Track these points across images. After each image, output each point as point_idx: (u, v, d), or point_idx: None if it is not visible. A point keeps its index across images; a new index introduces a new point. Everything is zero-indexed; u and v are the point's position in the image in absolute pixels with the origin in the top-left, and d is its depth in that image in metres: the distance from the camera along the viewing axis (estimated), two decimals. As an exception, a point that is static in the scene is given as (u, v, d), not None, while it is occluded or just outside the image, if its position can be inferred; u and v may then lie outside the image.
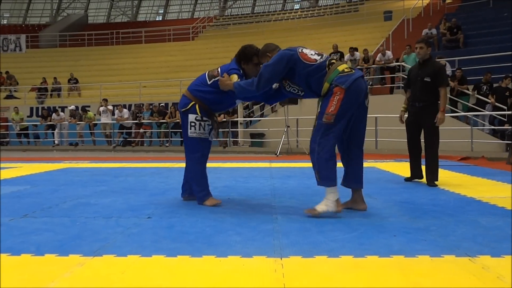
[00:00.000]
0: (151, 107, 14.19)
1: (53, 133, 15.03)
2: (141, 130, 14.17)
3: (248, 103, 13.14)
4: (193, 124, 3.64)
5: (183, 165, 3.98)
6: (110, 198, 4.15)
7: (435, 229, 2.85)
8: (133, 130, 14.42)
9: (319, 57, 3.32)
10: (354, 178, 3.48)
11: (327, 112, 3.15)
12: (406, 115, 5.28)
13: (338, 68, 3.24)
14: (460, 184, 4.93)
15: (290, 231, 2.79)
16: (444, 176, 5.44)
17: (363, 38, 18.01)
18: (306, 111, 10.85)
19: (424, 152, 5.01)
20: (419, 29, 15.36)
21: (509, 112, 9.46)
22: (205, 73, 3.76)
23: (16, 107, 15.88)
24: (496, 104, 9.92)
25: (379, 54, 12.90)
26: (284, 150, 10.59)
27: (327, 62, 3.27)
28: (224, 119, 12.40)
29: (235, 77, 3.52)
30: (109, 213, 3.42)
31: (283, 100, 4.08)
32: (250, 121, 13.69)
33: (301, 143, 11.03)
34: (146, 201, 3.97)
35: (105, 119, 14.43)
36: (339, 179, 3.42)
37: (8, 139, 16.01)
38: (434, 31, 14.68)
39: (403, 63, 11.86)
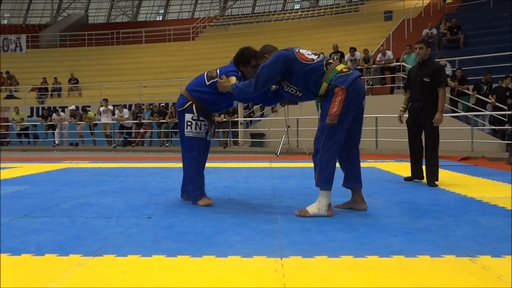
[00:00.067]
0: (151, 107, 14.20)
1: (53, 133, 15.04)
2: (142, 130, 14.17)
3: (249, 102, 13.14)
4: (189, 123, 3.66)
5: (183, 165, 3.98)
6: (110, 198, 4.16)
7: (435, 229, 2.85)
8: (133, 130, 14.43)
9: (316, 56, 3.32)
10: (354, 178, 3.48)
11: (330, 113, 3.15)
12: (405, 115, 5.29)
13: (336, 68, 3.25)
14: (461, 184, 4.93)
15: (290, 231, 2.79)
16: (445, 176, 5.44)
17: (363, 38, 18.00)
18: (307, 111, 10.85)
19: (424, 152, 5.02)
20: (420, 29, 15.36)
21: (509, 112, 9.46)
22: (204, 74, 3.77)
23: (16, 107, 15.89)
24: (497, 104, 9.92)
25: (380, 54, 12.90)
26: (284, 150, 10.59)
27: (324, 62, 3.27)
28: (225, 119, 12.41)
29: (233, 79, 3.53)
30: (109, 213, 3.42)
31: (281, 101, 4.09)
32: (251, 121, 13.69)
33: (302, 143, 11.03)
34: (146, 201, 3.97)
35: (105, 119, 14.43)
36: (339, 181, 3.42)
37: (8, 139, 16.01)
38: (434, 31, 14.68)
39: (403, 63, 11.86)
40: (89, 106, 16.46)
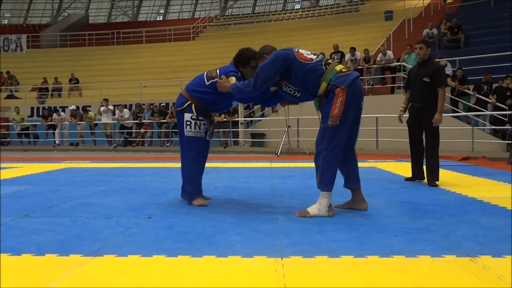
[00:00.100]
0: (151, 107, 14.20)
1: (53, 133, 15.04)
2: (142, 130, 14.17)
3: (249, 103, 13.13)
4: (188, 123, 3.67)
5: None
6: (110, 198, 4.16)
7: (435, 229, 2.85)
8: (133, 130, 14.43)
9: (315, 56, 3.33)
10: (354, 178, 3.49)
11: (332, 115, 3.14)
12: (404, 115, 5.29)
13: (335, 68, 3.25)
14: (461, 184, 4.92)
15: (291, 231, 2.79)
16: (445, 176, 5.44)
17: (363, 38, 18.00)
18: (307, 111, 10.84)
19: (425, 152, 5.02)
20: (420, 29, 15.35)
21: (510, 112, 9.45)
22: (203, 74, 3.78)
23: (17, 107, 15.89)
24: (497, 104, 9.92)
25: (380, 54, 12.89)
26: (285, 150, 10.59)
27: (323, 62, 3.27)
28: (225, 119, 12.41)
29: (233, 79, 3.54)
30: (109, 213, 3.42)
31: (280, 102, 4.08)
32: (251, 121, 13.69)
33: (302, 143, 11.03)
34: (146, 201, 3.97)
35: (105, 119, 14.44)
36: (339, 181, 3.42)
37: (9, 139, 16.02)
38: (435, 31, 14.68)
39: (404, 63, 11.86)
40: (90, 106, 16.46)
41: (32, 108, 17.59)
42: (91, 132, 14.72)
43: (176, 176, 5.50)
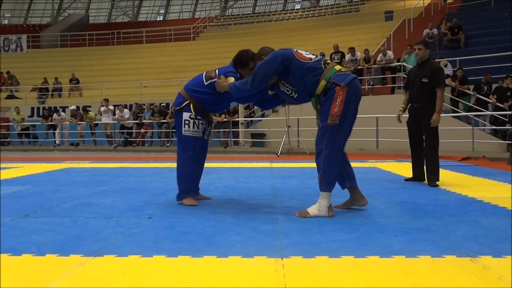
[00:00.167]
0: (152, 107, 14.20)
1: (54, 133, 15.05)
2: (142, 130, 14.18)
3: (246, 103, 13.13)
4: (187, 122, 3.67)
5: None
6: (111, 198, 4.16)
7: (436, 229, 2.85)
8: (134, 130, 14.43)
9: (314, 56, 3.34)
10: (350, 177, 3.48)
11: (332, 114, 3.14)
12: (404, 115, 5.29)
13: (335, 67, 3.26)
14: (461, 184, 4.92)
15: (291, 231, 2.79)
16: (445, 176, 5.44)
17: (364, 38, 18.00)
18: (307, 111, 10.76)
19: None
20: (420, 29, 15.35)
21: (510, 112, 9.45)
22: (202, 74, 3.79)
23: (17, 107, 15.90)
24: (498, 104, 9.91)
25: (380, 54, 12.89)
26: (285, 150, 10.59)
27: (322, 61, 3.28)
28: (225, 119, 12.41)
29: (231, 79, 3.54)
30: (110, 213, 3.42)
31: (277, 105, 4.08)
32: (251, 121, 13.69)
33: (302, 143, 11.03)
34: (147, 201, 3.97)
35: (106, 119, 14.44)
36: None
37: (9, 139, 16.02)
38: (435, 31, 14.68)
39: (404, 63, 11.86)
40: (90, 106, 16.46)
41: (33, 108, 17.60)
42: (92, 132, 14.73)
43: (176, 176, 5.50)
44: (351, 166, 3.50)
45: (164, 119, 13.63)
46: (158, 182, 5.36)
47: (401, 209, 3.57)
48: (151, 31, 25.30)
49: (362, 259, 2.25)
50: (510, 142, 9.10)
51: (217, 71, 3.71)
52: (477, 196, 4.06)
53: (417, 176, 5.13)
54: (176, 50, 22.62)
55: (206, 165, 4.05)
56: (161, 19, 33.06)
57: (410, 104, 5.20)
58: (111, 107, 14.45)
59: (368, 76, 12.98)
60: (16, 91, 19.32)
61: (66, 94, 18.92)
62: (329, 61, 3.34)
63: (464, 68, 11.21)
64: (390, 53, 12.84)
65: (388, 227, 2.91)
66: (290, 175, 6.00)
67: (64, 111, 15.91)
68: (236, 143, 12.81)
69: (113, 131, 14.46)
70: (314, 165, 3.34)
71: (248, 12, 31.16)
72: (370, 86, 12.64)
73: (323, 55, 12.64)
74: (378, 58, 12.86)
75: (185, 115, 3.67)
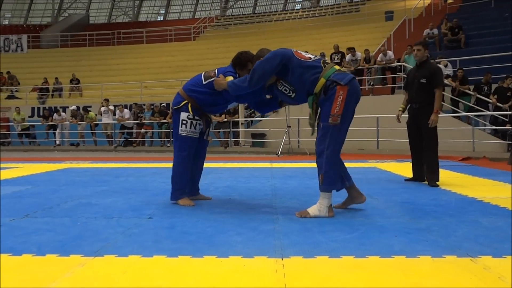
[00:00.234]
0: (152, 107, 14.20)
1: (54, 133, 15.05)
2: (142, 130, 14.18)
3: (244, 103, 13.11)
4: (184, 122, 3.67)
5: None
6: (111, 198, 4.16)
7: (436, 229, 2.85)
8: (134, 130, 14.43)
9: (314, 56, 3.35)
10: (347, 176, 3.48)
11: (333, 114, 3.14)
12: (404, 116, 5.29)
13: (334, 67, 3.26)
14: (462, 185, 4.92)
15: (291, 232, 2.79)
16: (446, 176, 5.44)
17: (364, 38, 18.00)
18: (307, 111, 10.78)
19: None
20: (421, 29, 15.36)
21: (510, 112, 9.45)
22: (201, 74, 3.79)
23: (17, 107, 15.90)
24: (498, 104, 9.91)
25: (381, 54, 12.89)
26: (285, 150, 10.59)
27: (321, 61, 3.30)
28: (226, 119, 12.41)
29: (230, 79, 3.54)
30: (110, 213, 3.42)
31: (275, 110, 4.08)
32: (251, 121, 13.69)
33: (302, 143, 11.02)
34: (147, 201, 3.97)
35: (106, 119, 14.44)
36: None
37: (9, 139, 16.03)
38: (435, 31, 14.68)
39: (404, 63, 11.86)
40: (90, 106, 16.47)
41: (33, 108, 17.60)
42: (92, 132, 14.73)
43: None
44: (345, 165, 3.50)
45: (164, 119, 13.63)
46: (158, 182, 5.36)
47: (401, 209, 3.57)
48: (152, 31, 25.31)
49: (362, 259, 2.25)
50: (510, 142, 9.09)
51: (216, 71, 3.71)
52: (478, 196, 4.06)
53: (417, 176, 5.13)
54: (176, 50, 22.63)
55: (206, 165, 4.05)
56: (162, 19, 33.08)
57: (409, 105, 5.21)
58: (112, 107, 14.45)
59: (368, 76, 12.97)
60: (16, 91, 19.32)
61: (66, 94, 18.92)
62: (328, 61, 3.36)
63: (464, 68, 11.21)
64: (390, 53, 12.83)
65: (388, 227, 2.91)
66: (290, 175, 5.99)
67: (64, 111, 15.90)
68: (236, 143, 12.81)
69: (113, 131, 14.46)
70: (314, 165, 3.34)
71: (249, 12, 31.18)
72: (370, 86, 12.63)
73: (323, 55, 12.65)
74: (379, 58, 12.86)
75: (183, 115, 3.67)
